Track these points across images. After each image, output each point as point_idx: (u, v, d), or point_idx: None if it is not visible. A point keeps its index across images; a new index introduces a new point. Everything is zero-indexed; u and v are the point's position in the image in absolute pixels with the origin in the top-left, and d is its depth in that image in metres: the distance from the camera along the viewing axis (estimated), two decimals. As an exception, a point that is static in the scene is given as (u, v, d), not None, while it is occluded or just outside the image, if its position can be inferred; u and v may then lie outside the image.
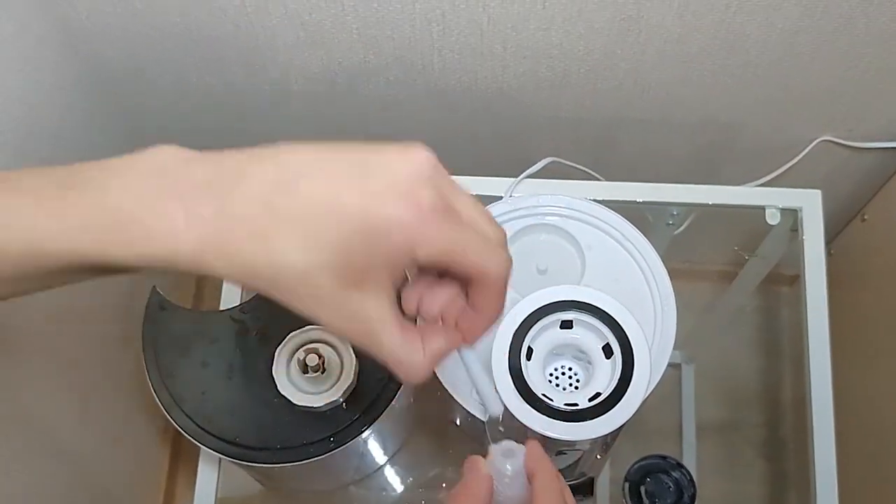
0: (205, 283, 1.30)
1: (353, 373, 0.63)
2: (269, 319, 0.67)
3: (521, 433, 0.56)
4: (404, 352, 0.40)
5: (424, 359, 0.41)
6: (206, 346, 0.66)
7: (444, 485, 0.80)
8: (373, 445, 0.73)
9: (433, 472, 0.82)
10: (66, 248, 0.36)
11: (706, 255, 1.05)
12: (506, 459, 0.47)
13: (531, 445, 0.48)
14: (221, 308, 0.70)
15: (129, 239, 0.36)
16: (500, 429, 0.57)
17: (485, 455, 0.48)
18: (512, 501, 0.47)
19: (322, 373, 0.63)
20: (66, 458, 0.93)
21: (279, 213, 0.36)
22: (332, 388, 0.63)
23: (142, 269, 0.37)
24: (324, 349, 0.63)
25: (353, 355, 0.63)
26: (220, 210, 0.36)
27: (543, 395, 0.56)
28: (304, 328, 0.64)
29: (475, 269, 0.40)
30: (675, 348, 0.70)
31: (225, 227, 0.36)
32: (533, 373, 0.57)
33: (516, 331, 0.57)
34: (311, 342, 0.64)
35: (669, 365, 0.70)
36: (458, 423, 0.75)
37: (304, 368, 0.62)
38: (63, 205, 0.37)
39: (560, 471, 0.66)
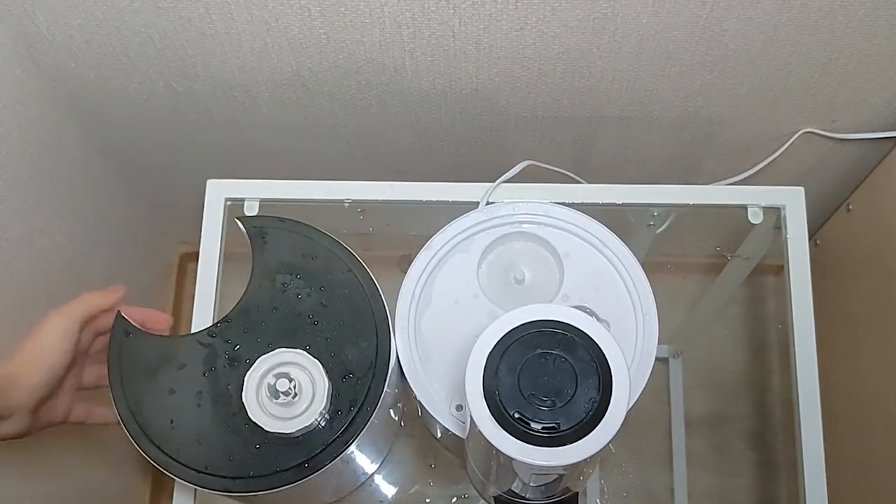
0: (182, 306, 1.27)
1: (325, 396, 0.61)
2: (238, 343, 0.65)
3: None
4: None
5: None
6: (173, 373, 0.64)
7: (427, 500, 0.79)
8: (350, 467, 0.72)
9: (414, 488, 0.81)
10: None
11: (690, 250, 1.04)
12: None
13: None
14: (193, 331, 0.68)
15: None
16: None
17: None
18: None
19: (294, 397, 0.61)
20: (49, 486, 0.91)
21: None
22: (304, 412, 0.61)
23: None
24: (295, 372, 0.61)
25: (326, 378, 0.62)
26: None
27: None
28: (273, 351, 0.62)
29: None
30: (662, 342, 0.69)
31: None
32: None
33: (490, 353, 0.55)
34: (282, 365, 0.62)
35: (657, 359, 0.69)
36: (437, 436, 0.74)
37: (275, 393, 0.61)
38: None
39: (543, 486, 0.65)
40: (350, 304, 0.67)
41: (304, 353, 0.62)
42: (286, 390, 0.60)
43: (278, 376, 0.61)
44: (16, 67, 0.80)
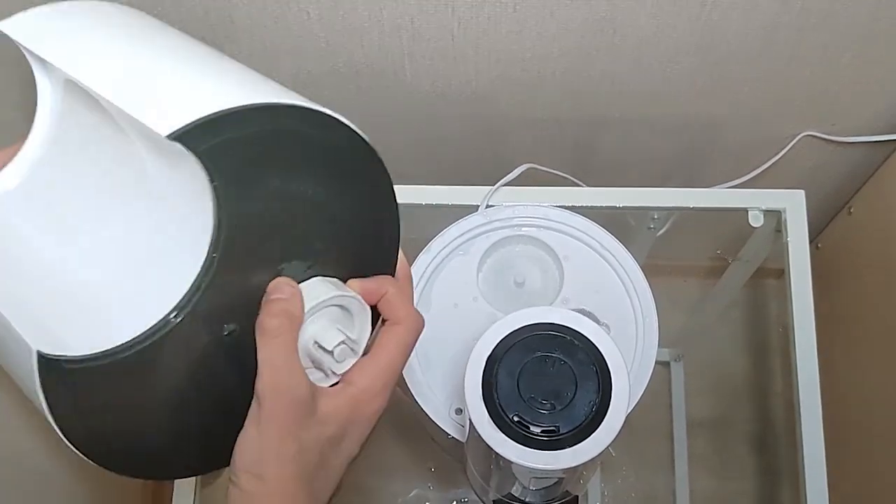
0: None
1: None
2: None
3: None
4: None
5: None
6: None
7: (427, 503, 0.79)
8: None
9: (413, 492, 0.81)
10: None
11: (691, 253, 1.04)
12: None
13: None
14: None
15: None
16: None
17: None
18: None
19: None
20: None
21: None
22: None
23: None
24: (342, 320, 0.50)
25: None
26: None
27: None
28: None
29: None
30: (663, 346, 0.69)
31: None
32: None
33: (489, 356, 0.55)
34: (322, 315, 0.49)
35: (658, 363, 0.69)
36: (436, 440, 0.74)
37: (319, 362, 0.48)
38: None
39: (543, 490, 0.65)
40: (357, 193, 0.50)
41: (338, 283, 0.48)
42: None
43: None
44: (18, 79, 0.80)
